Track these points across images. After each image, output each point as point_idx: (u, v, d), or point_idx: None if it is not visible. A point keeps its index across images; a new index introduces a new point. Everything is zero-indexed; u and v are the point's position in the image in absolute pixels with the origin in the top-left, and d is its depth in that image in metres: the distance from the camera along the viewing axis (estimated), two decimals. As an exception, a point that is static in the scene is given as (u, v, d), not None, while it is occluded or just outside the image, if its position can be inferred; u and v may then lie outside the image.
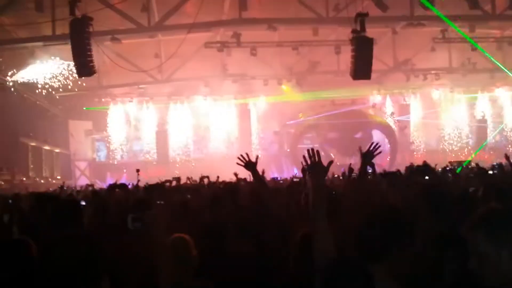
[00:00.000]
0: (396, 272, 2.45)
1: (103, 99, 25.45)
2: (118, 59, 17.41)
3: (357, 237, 2.62)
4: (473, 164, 12.94)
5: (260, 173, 6.48)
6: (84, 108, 25.37)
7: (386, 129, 26.91)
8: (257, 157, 4.64)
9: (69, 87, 21.06)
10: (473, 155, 23.71)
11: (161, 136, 26.37)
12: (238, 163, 4.63)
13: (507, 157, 8.43)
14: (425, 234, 3.06)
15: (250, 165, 4.55)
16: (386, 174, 5.48)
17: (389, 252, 2.49)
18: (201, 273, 3.60)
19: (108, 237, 3.80)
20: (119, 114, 26.05)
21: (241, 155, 4.57)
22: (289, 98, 25.26)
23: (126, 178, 21.07)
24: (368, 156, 4.12)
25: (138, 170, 8.57)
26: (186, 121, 26.54)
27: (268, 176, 17.93)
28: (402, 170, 8.30)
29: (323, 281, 2.06)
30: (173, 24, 16.06)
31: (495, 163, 11.16)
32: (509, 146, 26.43)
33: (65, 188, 12.33)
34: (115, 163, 26.34)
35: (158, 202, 4.53)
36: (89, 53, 12.12)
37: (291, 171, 23.42)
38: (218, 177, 12.09)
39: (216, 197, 5.64)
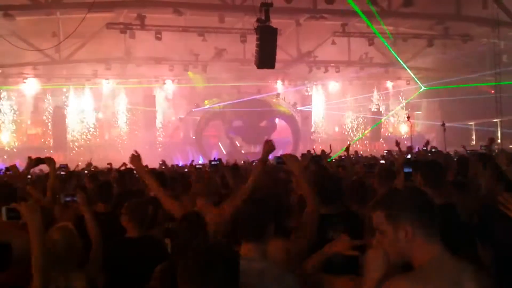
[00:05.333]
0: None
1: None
2: (11, 37, 16.30)
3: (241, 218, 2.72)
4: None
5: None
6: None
7: (289, 119, 27.71)
8: (136, 152, 4.57)
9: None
10: (343, 149, 25.20)
11: (58, 121, 25.04)
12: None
13: (397, 144, 9.07)
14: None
15: (134, 159, 4.49)
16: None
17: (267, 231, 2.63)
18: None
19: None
20: (12, 96, 24.38)
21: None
22: (195, 85, 25.13)
23: (20, 165, 19.84)
24: (269, 145, 4.22)
25: (29, 158, 8.05)
26: (87, 105, 25.45)
27: (173, 163, 17.77)
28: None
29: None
30: (72, 2, 15.28)
31: (385, 152, 11.89)
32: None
33: None
34: (7, 148, 24.65)
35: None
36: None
37: (197, 158, 23.38)
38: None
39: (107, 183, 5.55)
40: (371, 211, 2.12)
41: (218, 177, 5.98)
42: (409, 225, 2.00)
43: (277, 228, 2.70)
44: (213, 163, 5.95)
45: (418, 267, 1.99)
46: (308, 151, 9.73)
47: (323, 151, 9.53)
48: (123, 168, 9.39)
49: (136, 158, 4.46)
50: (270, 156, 4.37)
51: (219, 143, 27.58)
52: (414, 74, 25.44)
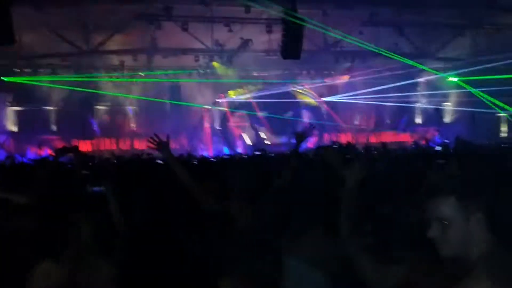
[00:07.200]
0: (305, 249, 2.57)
1: (24, 70, 24.05)
2: (41, 27, 16.56)
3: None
4: None
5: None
6: (4, 79, 23.83)
7: (314, 109, 27.49)
8: (167, 136, 4.36)
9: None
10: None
11: (87, 110, 25.40)
12: (149, 146, 4.37)
13: (426, 140, 8.96)
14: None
15: (162, 145, 4.32)
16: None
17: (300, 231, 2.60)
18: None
19: None
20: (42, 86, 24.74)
21: (151, 137, 4.30)
22: (221, 76, 25.09)
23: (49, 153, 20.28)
24: (301, 136, 4.22)
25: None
26: (114, 95, 25.71)
27: (198, 154, 17.87)
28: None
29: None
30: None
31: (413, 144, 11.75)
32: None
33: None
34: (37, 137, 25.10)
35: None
36: (9, 20, 11.45)
37: (221, 150, 23.46)
38: None
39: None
40: (434, 199, 2.01)
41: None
42: (480, 213, 1.94)
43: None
44: (257, 153, 5.19)
45: (482, 262, 1.89)
46: (333, 142, 9.65)
47: (349, 142, 9.47)
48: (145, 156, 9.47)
49: (164, 145, 4.29)
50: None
51: (244, 134, 27.51)
52: (443, 64, 24.94)
